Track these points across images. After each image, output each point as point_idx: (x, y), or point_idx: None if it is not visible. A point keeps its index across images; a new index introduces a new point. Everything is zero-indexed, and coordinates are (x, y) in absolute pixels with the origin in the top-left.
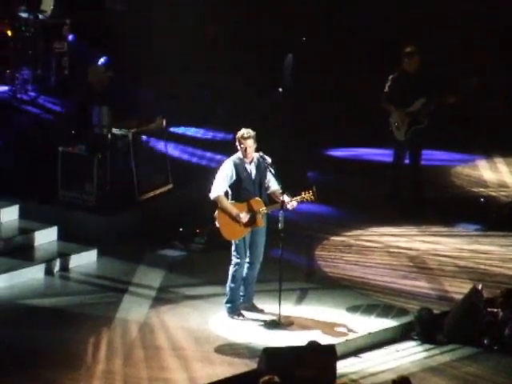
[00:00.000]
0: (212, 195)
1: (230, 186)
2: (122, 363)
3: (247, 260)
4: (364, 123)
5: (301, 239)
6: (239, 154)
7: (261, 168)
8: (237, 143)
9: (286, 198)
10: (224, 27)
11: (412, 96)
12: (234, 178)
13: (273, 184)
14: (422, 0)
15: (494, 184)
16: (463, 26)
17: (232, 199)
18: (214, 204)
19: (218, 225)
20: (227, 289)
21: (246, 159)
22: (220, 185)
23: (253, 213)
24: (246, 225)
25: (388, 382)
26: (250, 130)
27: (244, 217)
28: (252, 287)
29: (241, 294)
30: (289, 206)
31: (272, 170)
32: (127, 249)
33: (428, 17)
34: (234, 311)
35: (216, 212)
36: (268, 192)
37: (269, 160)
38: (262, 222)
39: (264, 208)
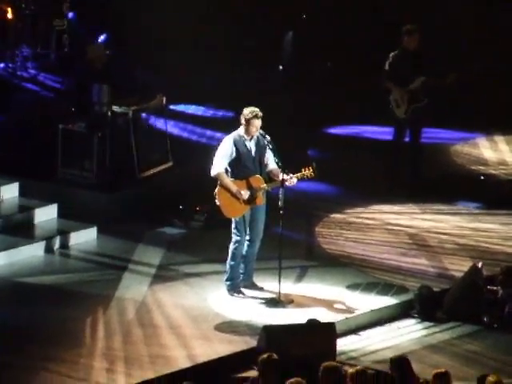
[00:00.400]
0: (212, 172)
1: (230, 163)
2: (121, 341)
3: (247, 238)
4: (364, 100)
5: (301, 217)
6: (239, 131)
7: (260, 145)
8: (243, 120)
9: (285, 175)
10: (224, 3)
11: (412, 74)
12: (234, 155)
13: (271, 162)
14: None
15: (494, 162)
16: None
17: (232, 176)
18: (214, 181)
19: (218, 202)
20: (227, 266)
21: (247, 136)
22: (220, 162)
23: (253, 190)
24: (247, 202)
25: (388, 359)
26: (258, 110)
27: (244, 194)
28: (252, 265)
29: (241, 271)
30: (288, 183)
31: (272, 147)
32: (127, 226)
33: None
34: (234, 289)
35: (216, 189)
36: (267, 170)
37: (268, 137)
38: (262, 200)
39: (264, 185)
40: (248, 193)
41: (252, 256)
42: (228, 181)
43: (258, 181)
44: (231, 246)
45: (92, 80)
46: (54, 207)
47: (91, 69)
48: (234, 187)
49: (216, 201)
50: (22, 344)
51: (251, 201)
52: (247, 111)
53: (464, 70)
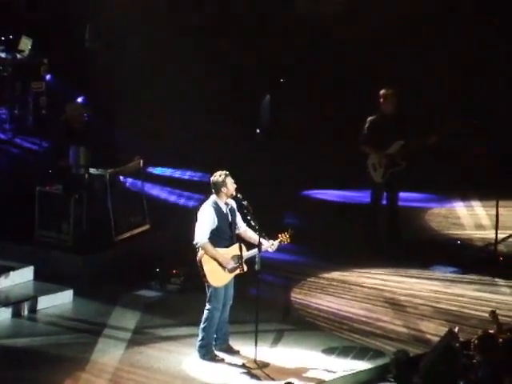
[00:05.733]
0: (198, 242)
1: (211, 232)
2: None
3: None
4: (342, 165)
5: (277, 280)
6: (213, 199)
7: (233, 209)
8: (218, 186)
9: (263, 240)
10: (200, 66)
11: (390, 138)
12: (216, 223)
13: (242, 225)
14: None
15: (470, 227)
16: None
17: (214, 245)
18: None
19: (203, 270)
20: (201, 333)
21: (221, 203)
22: (204, 231)
23: (236, 258)
24: (231, 270)
25: None
26: (222, 171)
27: (231, 264)
28: (227, 328)
29: (215, 336)
30: (270, 250)
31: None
32: (103, 289)
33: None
34: (209, 354)
35: (201, 257)
36: (237, 232)
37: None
38: (245, 267)
39: (247, 253)
40: (232, 262)
41: (225, 321)
42: (214, 251)
43: (240, 249)
44: (206, 313)
45: (70, 140)
46: (31, 269)
47: (69, 129)
48: (221, 257)
49: (201, 269)
50: None
51: (236, 269)
52: (217, 176)
53: (441, 131)
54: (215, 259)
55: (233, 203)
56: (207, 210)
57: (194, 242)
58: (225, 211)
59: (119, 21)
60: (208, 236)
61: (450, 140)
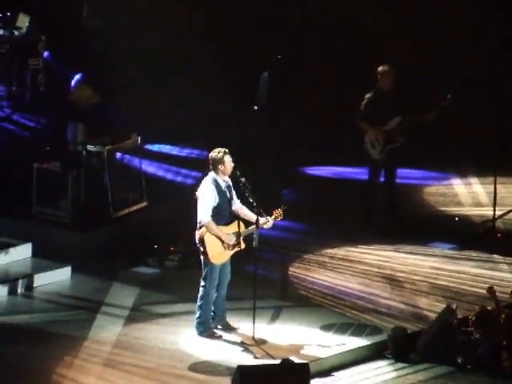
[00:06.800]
0: (202, 220)
1: (212, 209)
2: (94, 381)
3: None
4: (340, 141)
5: (275, 257)
6: (212, 177)
7: (230, 186)
8: (216, 163)
9: (260, 216)
10: (199, 42)
11: (387, 114)
12: (217, 200)
13: (237, 201)
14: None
15: (468, 203)
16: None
17: (214, 222)
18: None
19: (203, 248)
20: (198, 310)
21: (220, 180)
22: (208, 209)
23: (237, 235)
24: (232, 247)
25: None
26: (222, 149)
27: (232, 241)
28: (224, 305)
29: (212, 313)
30: (266, 227)
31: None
32: (101, 266)
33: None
34: (206, 331)
35: (202, 235)
36: (233, 208)
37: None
38: (244, 244)
39: (247, 229)
40: (233, 238)
41: (222, 298)
42: (217, 229)
43: (239, 225)
44: (202, 291)
45: (71, 118)
46: (29, 246)
47: (74, 109)
48: (223, 234)
49: (200, 246)
50: None
51: (236, 246)
52: (216, 153)
53: (439, 107)
54: (218, 237)
55: (229, 180)
56: (208, 187)
57: (198, 221)
58: (223, 188)
59: None
60: (211, 214)
61: (448, 116)
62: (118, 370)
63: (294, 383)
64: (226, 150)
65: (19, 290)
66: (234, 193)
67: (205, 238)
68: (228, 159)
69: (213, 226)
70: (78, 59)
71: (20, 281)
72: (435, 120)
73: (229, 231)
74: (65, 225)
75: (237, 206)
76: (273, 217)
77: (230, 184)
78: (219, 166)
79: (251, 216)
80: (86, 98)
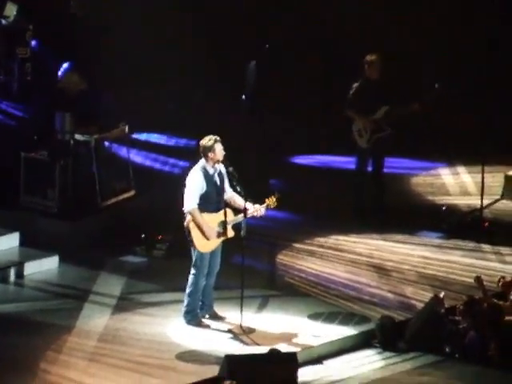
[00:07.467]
0: (186, 208)
1: (200, 197)
2: (80, 371)
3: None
4: (327, 130)
5: (263, 246)
6: (202, 164)
7: (221, 174)
8: (206, 151)
9: (249, 205)
10: (186, 31)
11: (375, 103)
12: (205, 188)
13: (229, 190)
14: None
15: (456, 192)
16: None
17: (203, 211)
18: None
19: (190, 236)
20: (187, 298)
21: (211, 167)
22: (193, 197)
23: (224, 224)
24: (218, 236)
25: None
26: (214, 136)
27: (216, 230)
28: (212, 295)
29: (200, 303)
30: (257, 214)
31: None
32: (89, 255)
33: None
34: (194, 320)
35: (188, 223)
36: (225, 197)
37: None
38: (232, 232)
39: (234, 218)
40: (218, 228)
41: (211, 286)
42: (200, 219)
43: (227, 214)
44: (191, 278)
45: (59, 107)
46: (16, 235)
47: (62, 97)
48: (205, 225)
49: (189, 234)
50: None
51: (222, 235)
52: (206, 140)
53: (425, 98)
54: (200, 228)
55: (221, 167)
56: (196, 175)
57: (183, 208)
58: (213, 176)
59: None
60: (197, 202)
61: (436, 106)
62: (103, 364)
63: (281, 372)
64: (218, 138)
65: (8, 279)
66: (226, 181)
67: (190, 226)
68: (219, 147)
69: (197, 214)
70: (66, 48)
71: (9, 269)
72: (423, 109)
73: (215, 219)
74: (52, 214)
75: (228, 194)
76: (264, 205)
77: (223, 172)
78: (209, 154)
79: (242, 205)
80: (75, 84)
